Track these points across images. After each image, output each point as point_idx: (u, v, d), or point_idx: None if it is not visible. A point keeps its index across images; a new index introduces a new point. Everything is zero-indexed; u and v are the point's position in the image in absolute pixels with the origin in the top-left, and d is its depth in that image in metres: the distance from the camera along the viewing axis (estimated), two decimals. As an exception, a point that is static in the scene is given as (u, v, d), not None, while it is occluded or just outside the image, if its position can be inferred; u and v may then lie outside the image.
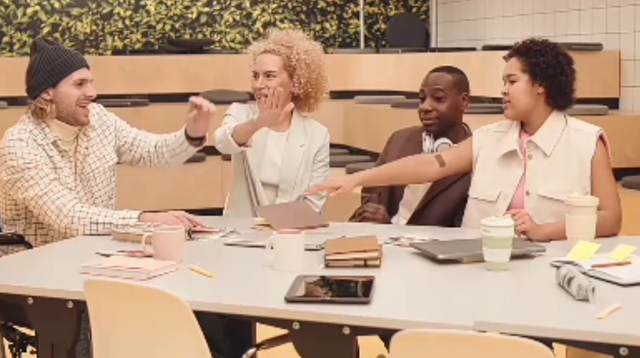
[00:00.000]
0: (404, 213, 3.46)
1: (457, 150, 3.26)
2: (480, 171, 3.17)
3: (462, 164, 3.23)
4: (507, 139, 3.14)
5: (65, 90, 3.17)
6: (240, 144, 3.42)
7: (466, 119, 3.51)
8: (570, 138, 3.08)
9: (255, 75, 3.60)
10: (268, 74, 3.56)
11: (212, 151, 7.03)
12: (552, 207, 3.00)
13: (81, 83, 3.19)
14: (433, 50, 8.06)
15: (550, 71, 3.07)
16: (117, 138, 3.40)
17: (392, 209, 3.48)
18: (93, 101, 3.26)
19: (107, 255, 2.74)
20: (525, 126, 3.14)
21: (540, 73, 3.07)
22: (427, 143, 3.44)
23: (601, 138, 3.09)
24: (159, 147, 3.44)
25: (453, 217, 3.33)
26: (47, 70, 3.16)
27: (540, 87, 3.08)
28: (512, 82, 3.11)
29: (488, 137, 3.20)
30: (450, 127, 3.42)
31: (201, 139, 3.42)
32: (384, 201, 3.48)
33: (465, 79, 3.49)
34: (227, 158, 6.61)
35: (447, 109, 3.40)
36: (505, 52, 3.21)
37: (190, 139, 3.40)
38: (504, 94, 3.12)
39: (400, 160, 3.32)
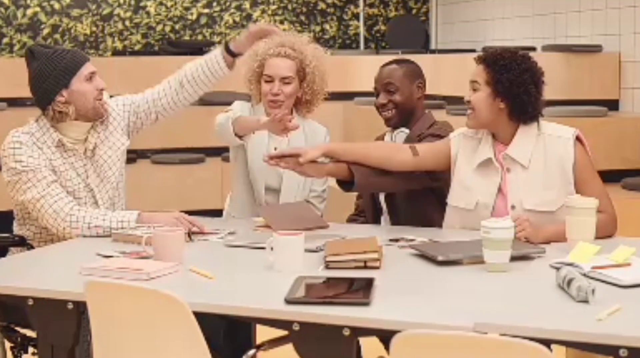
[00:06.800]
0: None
1: (433, 145, 3.23)
2: (458, 179, 3.13)
3: (438, 160, 3.17)
4: (482, 148, 3.10)
5: (79, 88, 3.15)
6: (237, 135, 3.41)
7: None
8: (547, 145, 3.03)
9: (269, 80, 3.55)
10: (284, 80, 3.53)
11: (212, 152, 7.07)
12: (540, 219, 2.95)
13: (91, 77, 3.19)
14: (433, 51, 8.06)
15: (513, 89, 3.00)
16: (128, 119, 3.38)
17: (377, 210, 3.52)
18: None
19: (107, 256, 2.75)
20: (496, 136, 3.10)
21: (502, 90, 3.01)
22: (387, 136, 3.51)
23: (578, 138, 3.05)
24: (175, 90, 3.43)
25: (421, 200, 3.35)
26: (56, 73, 3.13)
27: (502, 104, 3.02)
28: (475, 90, 3.06)
29: (464, 142, 3.15)
30: (409, 118, 3.46)
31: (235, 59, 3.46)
32: (368, 207, 3.53)
33: (417, 69, 3.52)
34: (227, 159, 6.61)
35: (402, 99, 3.44)
36: None
37: (231, 55, 3.42)
38: (467, 102, 3.07)
39: (373, 142, 3.34)
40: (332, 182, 3.64)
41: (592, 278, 2.40)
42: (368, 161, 3.18)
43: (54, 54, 3.16)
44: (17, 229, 3.27)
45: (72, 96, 3.15)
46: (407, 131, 3.45)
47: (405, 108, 3.45)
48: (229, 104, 3.71)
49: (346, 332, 2.15)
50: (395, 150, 3.20)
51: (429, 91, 3.60)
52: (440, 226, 3.25)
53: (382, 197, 3.48)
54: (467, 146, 3.15)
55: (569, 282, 2.26)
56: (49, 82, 3.14)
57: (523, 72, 3.03)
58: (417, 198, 3.32)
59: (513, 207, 3.01)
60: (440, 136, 3.32)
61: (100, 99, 3.20)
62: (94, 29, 8.11)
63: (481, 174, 3.08)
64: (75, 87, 3.15)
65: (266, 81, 3.56)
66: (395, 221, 3.41)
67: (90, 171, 3.22)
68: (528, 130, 3.06)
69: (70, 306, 2.39)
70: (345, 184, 3.18)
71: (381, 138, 3.59)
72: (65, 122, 3.17)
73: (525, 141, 3.04)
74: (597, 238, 2.78)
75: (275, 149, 3.58)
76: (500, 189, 3.05)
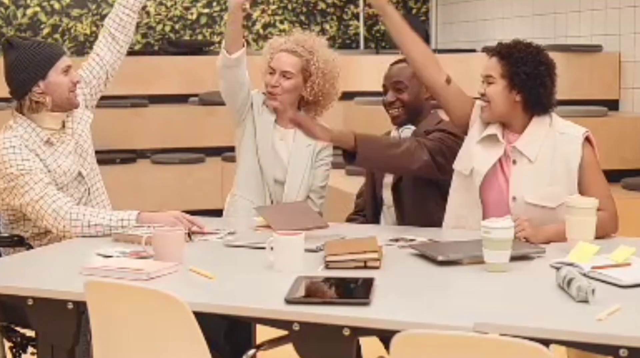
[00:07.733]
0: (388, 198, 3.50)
1: (463, 92, 3.20)
2: (466, 143, 3.14)
3: (459, 103, 3.16)
4: (492, 124, 3.10)
5: (55, 80, 3.19)
6: (226, 50, 3.45)
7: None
8: (556, 142, 3.03)
9: (272, 72, 3.59)
10: (284, 74, 3.56)
11: (212, 152, 7.06)
12: (539, 214, 2.96)
13: (67, 70, 3.23)
14: (433, 51, 8.05)
15: (529, 82, 3.01)
16: (83, 94, 3.40)
17: (377, 205, 3.52)
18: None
19: (107, 256, 2.75)
20: (508, 126, 3.10)
21: (518, 83, 3.02)
22: (393, 133, 3.53)
23: (587, 139, 3.05)
24: (110, 43, 3.47)
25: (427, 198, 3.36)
26: (34, 64, 3.17)
27: (518, 96, 3.03)
28: (490, 84, 3.06)
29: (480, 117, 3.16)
30: (416, 117, 3.47)
31: None
32: (369, 203, 3.53)
33: None
34: (226, 159, 6.62)
35: (410, 98, 3.46)
36: None
37: None
38: (482, 95, 3.08)
39: (421, 44, 3.29)
40: (332, 182, 3.65)
41: (592, 278, 2.40)
42: (409, 53, 3.22)
43: (32, 45, 3.21)
44: (4, 232, 3.27)
45: (49, 87, 3.19)
46: (413, 127, 3.46)
47: (413, 107, 3.46)
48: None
49: (346, 332, 2.15)
50: (434, 63, 3.20)
51: (429, 90, 3.60)
52: (441, 222, 3.25)
53: (387, 192, 3.48)
54: (480, 122, 3.14)
55: (569, 282, 2.26)
56: (27, 73, 3.17)
57: (539, 65, 3.04)
58: (422, 193, 3.33)
59: (514, 199, 3.02)
60: (448, 132, 3.32)
61: (74, 91, 3.25)
62: (94, 29, 8.11)
63: (484, 146, 3.08)
64: (52, 79, 3.20)
65: (269, 73, 3.62)
66: (400, 214, 3.41)
67: (75, 147, 3.28)
68: (540, 122, 3.07)
69: (70, 306, 2.39)
70: (350, 155, 3.15)
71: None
72: (41, 113, 3.20)
73: (536, 134, 3.05)
74: (598, 235, 2.79)
75: (280, 140, 3.61)
76: (501, 166, 3.05)
